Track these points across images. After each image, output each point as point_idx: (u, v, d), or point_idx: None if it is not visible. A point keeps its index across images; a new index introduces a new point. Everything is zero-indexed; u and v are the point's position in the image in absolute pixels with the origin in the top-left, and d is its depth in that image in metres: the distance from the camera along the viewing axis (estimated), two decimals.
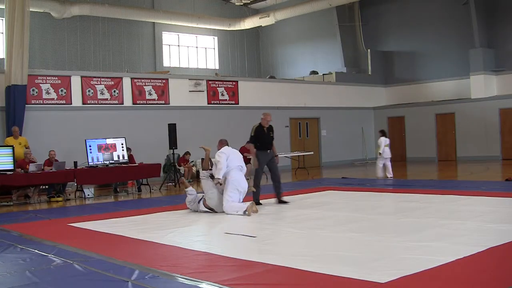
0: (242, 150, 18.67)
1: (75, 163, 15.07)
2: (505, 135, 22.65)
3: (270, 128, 11.57)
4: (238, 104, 22.33)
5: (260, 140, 11.44)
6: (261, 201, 11.29)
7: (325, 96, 25.37)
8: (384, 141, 17.01)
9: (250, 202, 10.11)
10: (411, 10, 26.32)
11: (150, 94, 19.92)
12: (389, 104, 27.26)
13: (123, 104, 19.30)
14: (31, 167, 13.88)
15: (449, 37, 24.98)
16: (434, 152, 24.71)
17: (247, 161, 18.05)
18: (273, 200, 11.54)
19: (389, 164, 17.04)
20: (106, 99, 18.92)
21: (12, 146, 14.21)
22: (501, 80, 23.67)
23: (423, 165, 22.64)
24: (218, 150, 10.70)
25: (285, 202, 11.34)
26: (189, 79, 21.34)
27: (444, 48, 25.15)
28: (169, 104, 20.37)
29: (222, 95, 21.95)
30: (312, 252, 6.44)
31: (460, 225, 7.70)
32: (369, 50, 27.68)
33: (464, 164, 21.73)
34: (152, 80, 20.08)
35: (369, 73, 27.60)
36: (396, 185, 14.33)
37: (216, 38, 29.62)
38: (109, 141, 15.77)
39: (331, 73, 26.45)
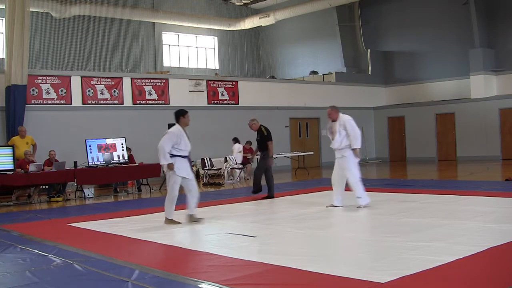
0: (243, 151, 18.79)
1: (75, 163, 15.07)
2: (505, 135, 22.65)
3: (258, 132, 12.40)
4: (238, 104, 22.33)
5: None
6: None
7: (325, 96, 25.36)
8: (237, 147, 18.67)
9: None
10: (411, 10, 26.32)
11: (150, 94, 19.92)
12: (389, 104, 27.27)
13: (123, 104, 19.30)
14: (31, 167, 13.87)
15: (449, 37, 24.98)
16: (434, 152, 24.71)
17: (246, 161, 18.18)
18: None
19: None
20: (106, 99, 18.92)
21: (12, 146, 14.21)
22: (501, 80, 23.67)
23: (423, 165, 22.63)
24: (333, 118, 10.12)
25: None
26: (189, 79, 21.35)
27: (444, 48, 25.16)
28: (169, 104, 20.36)
29: (222, 95, 21.95)
30: (312, 252, 6.44)
31: (460, 225, 7.70)
32: (369, 50, 27.69)
33: (464, 164, 21.74)
34: (152, 80, 20.07)
35: (369, 73, 27.60)
36: (396, 185, 14.32)
37: (216, 38, 29.62)
38: (109, 141, 15.77)
39: (331, 73, 26.46)
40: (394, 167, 23.11)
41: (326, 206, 10.33)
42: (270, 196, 12.24)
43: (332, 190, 10.50)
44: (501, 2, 23.49)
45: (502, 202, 10.10)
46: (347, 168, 9.97)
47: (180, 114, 9.71)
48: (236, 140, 19.07)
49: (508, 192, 11.28)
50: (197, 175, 19.75)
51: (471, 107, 23.52)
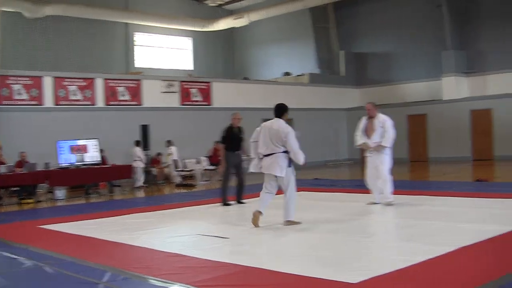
0: (214, 151, 18.71)
1: (47, 164, 14.91)
2: (476, 136, 22.94)
3: (240, 129, 11.60)
4: (211, 105, 22.29)
5: (229, 141, 11.46)
6: (231, 202, 11.44)
7: (298, 97, 25.41)
8: (175, 150, 19.07)
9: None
10: (385, 12, 26.52)
11: (123, 95, 19.79)
12: (362, 105, 27.33)
13: (95, 105, 19.14)
14: (2, 169, 13.70)
15: (422, 39, 25.23)
16: (405, 152, 24.91)
17: (219, 162, 18.09)
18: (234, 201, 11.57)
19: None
20: (79, 100, 18.74)
21: None
22: (472, 82, 23.97)
23: (395, 165, 22.55)
24: (373, 114, 11.00)
25: (242, 203, 11.37)
26: (162, 80, 21.24)
27: (416, 49, 25.41)
28: (142, 105, 20.25)
29: (195, 96, 21.89)
30: (284, 253, 6.46)
31: (431, 225, 7.78)
32: (343, 51, 27.85)
33: (435, 164, 21.95)
34: (125, 81, 19.95)
35: (343, 74, 27.76)
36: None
37: (190, 39, 29.51)
38: (81, 142, 15.66)
39: (304, 75, 26.55)
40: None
41: (366, 204, 10.45)
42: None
43: (369, 190, 10.88)
44: (473, 5, 23.78)
45: (472, 202, 10.23)
46: (384, 163, 10.68)
47: (285, 110, 9.01)
48: (170, 143, 19.26)
49: (478, 193, 11.43)
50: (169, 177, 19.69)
51: (443, 109, 23.79)
